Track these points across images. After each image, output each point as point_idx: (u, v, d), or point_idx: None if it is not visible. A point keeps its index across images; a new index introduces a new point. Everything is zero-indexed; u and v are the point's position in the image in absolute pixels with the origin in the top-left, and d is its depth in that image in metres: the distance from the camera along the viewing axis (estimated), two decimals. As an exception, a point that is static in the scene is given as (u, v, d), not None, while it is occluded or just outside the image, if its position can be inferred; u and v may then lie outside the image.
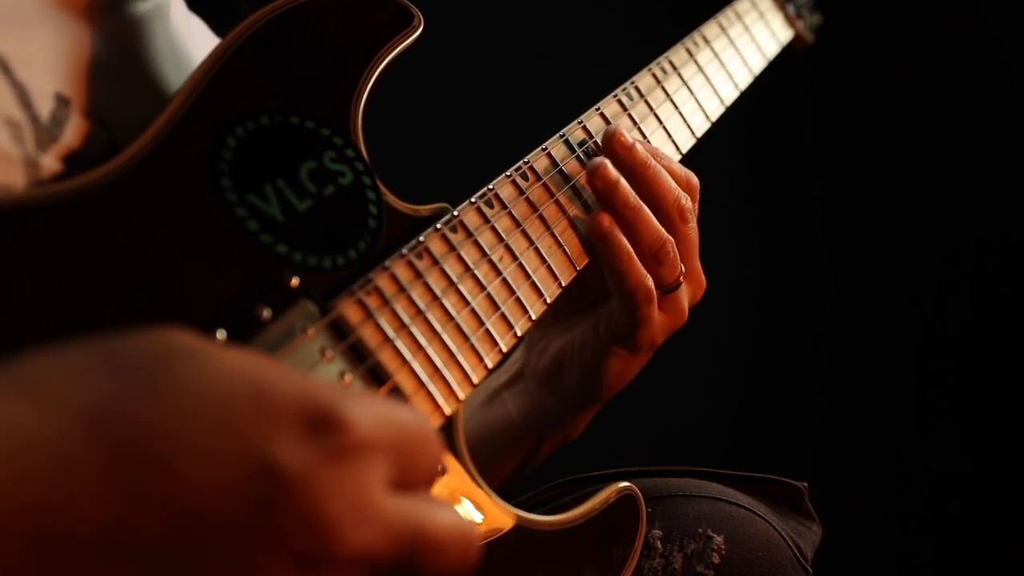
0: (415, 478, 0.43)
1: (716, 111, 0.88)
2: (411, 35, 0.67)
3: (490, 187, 0.68)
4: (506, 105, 1.66)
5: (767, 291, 1.89)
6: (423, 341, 0.59)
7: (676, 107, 0.83)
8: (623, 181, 0.71)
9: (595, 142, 0.75)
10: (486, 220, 0.66)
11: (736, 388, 1.89)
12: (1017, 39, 1.83)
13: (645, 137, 0.79)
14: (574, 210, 0.72)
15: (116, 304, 0.50)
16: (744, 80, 0.94)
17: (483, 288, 0.64)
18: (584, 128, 0.75)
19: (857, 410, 1.91)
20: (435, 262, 0.62)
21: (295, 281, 0.56)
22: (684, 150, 0.83)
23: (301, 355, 0.54)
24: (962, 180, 1.87)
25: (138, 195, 0.53)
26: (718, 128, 0.88)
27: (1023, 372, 1.83)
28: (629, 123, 0.78)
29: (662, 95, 0.82)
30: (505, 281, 0.65)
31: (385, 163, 0.65)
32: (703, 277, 0.78)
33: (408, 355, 0.58)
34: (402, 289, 0.60)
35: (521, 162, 0.71)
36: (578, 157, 0.73)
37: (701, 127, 0.86)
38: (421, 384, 0.58)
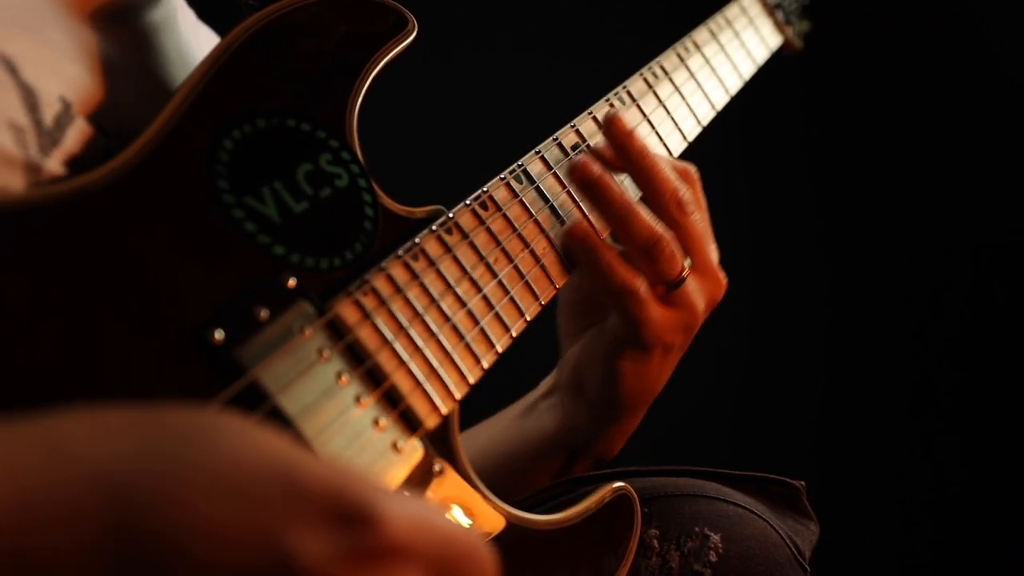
0: None
1: (707, 115, 0.89)
2: (406, 39, 0.67)
3: (485, 189, 0.68)
4: (500, 108, 1.67)
5: (764, 291, 1.90)
6: (420, 341, 0.60)
7: (668, 112, 0.84)
8: (606, 176, 0.70)
9: (588, 145, 0.76)
10: (481, 222, 0.67)
11: (734, 387, 1.89)
12: (1010, 38, 1.85)
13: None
14: (567, 213, 0.72)
15: (114, 305, 0.51)
16: (734, 85, 0.95)
17: (479, 289, 0.64)
18: (577, 132, 0.76)
19: (855, 409, 1.91)
20: (431, 263, 0.62)
21: (292, 282, 0.56)
22: (676, 154, 0.84)
23: (298, 355, 0.54)
24: (959, 180, 1.88)
25: (135, 197, 0.54)
26: (716, 128, 0.89)
27: (1022, 371, 1.84)
28: (621, 127, 0.79)
29: (654, 100, 0.83)
30: (500, 283, 0.66)
31: (381, 165, 0.66)
32: (719, 274, 0.75)
33: (405, 355, 0.58)
34: (398, 290, 0.60)
35: (515, 165, 0.71)
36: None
37: (692, 131, 0.86)
38: (418, 384, 0.59)
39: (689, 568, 0.71)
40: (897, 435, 1.91)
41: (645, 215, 0.70)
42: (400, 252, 0.61)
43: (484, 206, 0.67)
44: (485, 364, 0.63)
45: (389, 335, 0.58)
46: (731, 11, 0.99)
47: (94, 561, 0.34)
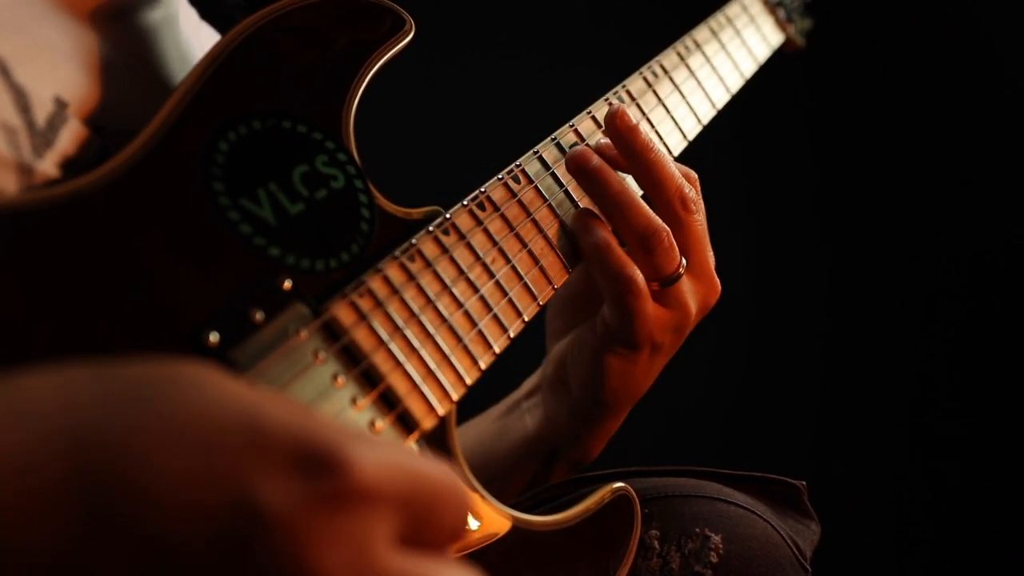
0: (431, 537, 0.39)
1: (708, 114, 0.89)
2: (402, 40, 0.67)
3: (482, 190, 0.68)
4: (497, 108, 1.67)
5: (764, 291, 1.90)
6: (416, 343, 0.59)
7: (668, 111, 0.84)
8: (605, 165, 0.70)
9: (587, 144, 0.75)
10: (478, 222, 0.66)
11: (734, 387, 1.89)
12: (1011, 38, 1.84)
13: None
14: (566, 212, 0.72)
15: (110, 308, 0.51)
16: (735, 84, 0.94)
17: (476, 290, 0.64)
18: (576, 131, 0.76)
19: (855, 409, 1.91)
20: (428, 264, 0.62)
21: (288, 284, 0.56)
22: (676, 153, 0.83)
23: (294, 357, 0.54)
24: (960, 179, 1.88)
25: (131, 199, 0.54)
26: (717, 127, 0.89)
27: (1022, 371, 1.83)
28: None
29: (653, 99, 0.83)
30: (498, 283, 0.66)
31: (379, 167, 0.66)
32: (716, 278, 0.75)
33: (401, 357, 0.58)
34: (395, 291, 0.60)
35: (513, 165, 0.71)
36: (570, 160, 0.74)
37: (693, 130, 0.86)
38: (415, 385, 0.59)
39: (690, 569, 0.71)
40: (897, 435, 1.91)
41: (645, 206, 0.70)
42: (396, 253, 0.61)
43: (481, 206, 0.67)
44: (483, 365, 0.63)
45: (385, 336, 0.58)
46: (732, 9, 0.99)
47: (57, 511, 0.34)
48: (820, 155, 1.94)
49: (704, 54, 0.91)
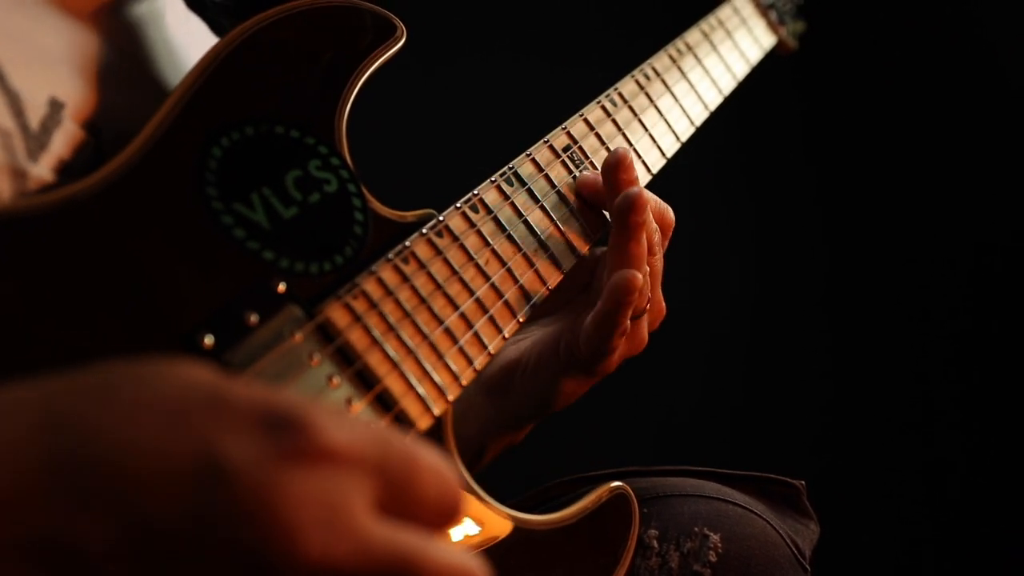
0: (416, 511, 0.39)
1: (701, 116, 0.89)
2: (394, 45, 0.68)
3: (475, 192, 0.68)
4: (490, 111, 1.67)
5: (764, 291, 1.90)
6: (411, 344, 0.60)
7: (661, 113, 0.84)
8: (650, 222, 0.70)
9: (579, 147, 0.76)
10: (472, 224, 0.67)
11: (733, 387, 1.89)
12: (1009, 38, 1.85)
13: (630, 143, 0.79)
14: (559, 214, 0.72)
15: (106, 312, 0.51)
16: (728, 86, 0.95)
17: (471, 292, 0.64)
18: (568, 133, 0.76)
19: (855, 408, 1.91)
20: (421, 266, 0.63)
21: (282, 287, 0.56)
22: (669, 155, 0.84)
23: (288, 359, 0.54)
24: (958, 179, 1.88)
25: (126, 204, 0.54)
26: (710, 129, 0.89)
27: (1022, 371, 1.83)
28: (613, 128, 0.79)
29: (646, 101, 0.83)
30: (492, 286, 0.66)
31: (372, 170, 0.66)
32: (663, 304, 0.77)
33: (396, 358, 0.59)
34: (389, 293, 0.60)
35: (506, 167, 0.71)
36: (563, 162, 0.74)
37: (685, 132, 0.86)
38: (410, 387, 0.59)
39: (688, 568, 0.71)
40: (897, 435, 1.90)
41: (646, 271, 0.71)
42: (390, 255, 0.61)
43: (475, 208, 0.68)
44: (477, 366, 0.63)
45: (379, 338, 0.58)
46: (723, 12, 0.99)
47: (33, 493, 0.35)
48: (815, 156, 1.94)
49: (696, 56, 0.91)
